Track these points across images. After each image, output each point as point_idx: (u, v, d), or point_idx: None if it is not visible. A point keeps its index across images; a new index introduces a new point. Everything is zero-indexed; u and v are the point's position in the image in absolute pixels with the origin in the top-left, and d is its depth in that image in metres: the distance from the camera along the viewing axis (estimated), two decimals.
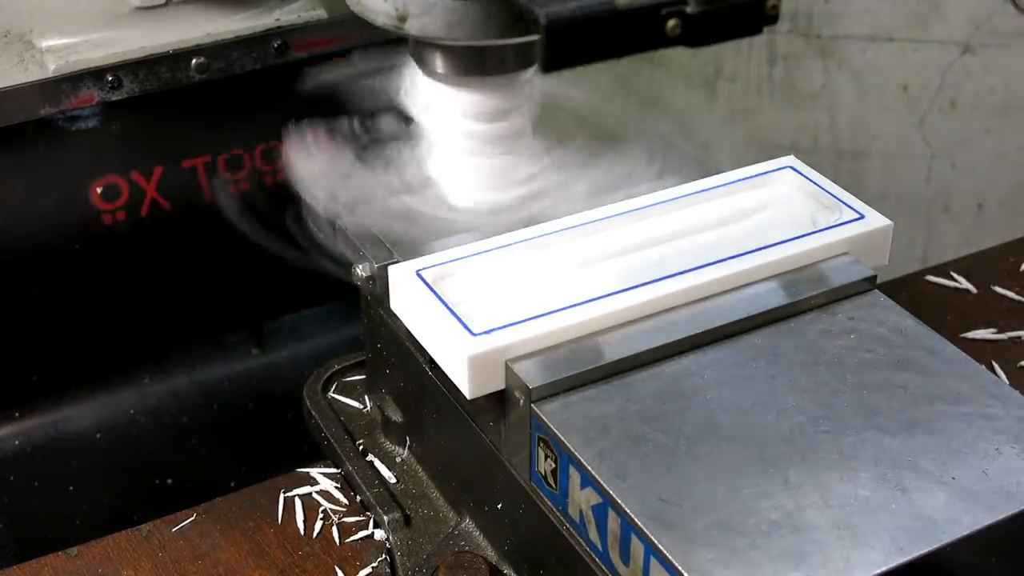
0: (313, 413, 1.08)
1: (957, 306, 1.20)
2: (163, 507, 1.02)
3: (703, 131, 2.27)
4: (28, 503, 1.22)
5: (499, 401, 0.85)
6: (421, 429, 1.01)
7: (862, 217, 0.94)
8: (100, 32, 1.11)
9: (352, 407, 1.09)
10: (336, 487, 1.03)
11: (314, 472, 1.04)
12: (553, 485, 0.81)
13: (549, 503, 0.83)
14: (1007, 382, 0.97)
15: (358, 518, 1.00)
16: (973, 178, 2.26)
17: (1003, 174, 2.24)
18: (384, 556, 0.97)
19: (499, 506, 0.90)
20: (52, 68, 1.08)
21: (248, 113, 1.21)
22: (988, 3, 2.10)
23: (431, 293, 0.87)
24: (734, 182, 0.99)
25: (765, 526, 0.72)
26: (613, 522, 0.75)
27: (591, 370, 0.83)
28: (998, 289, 1.22)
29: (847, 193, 0.97)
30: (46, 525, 1.23)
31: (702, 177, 1.00)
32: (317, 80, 1.05)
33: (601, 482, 0.76)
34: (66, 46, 1.10)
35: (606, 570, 0.78)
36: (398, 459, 1.04)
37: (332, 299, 1.33)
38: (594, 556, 0.79)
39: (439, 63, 0.89)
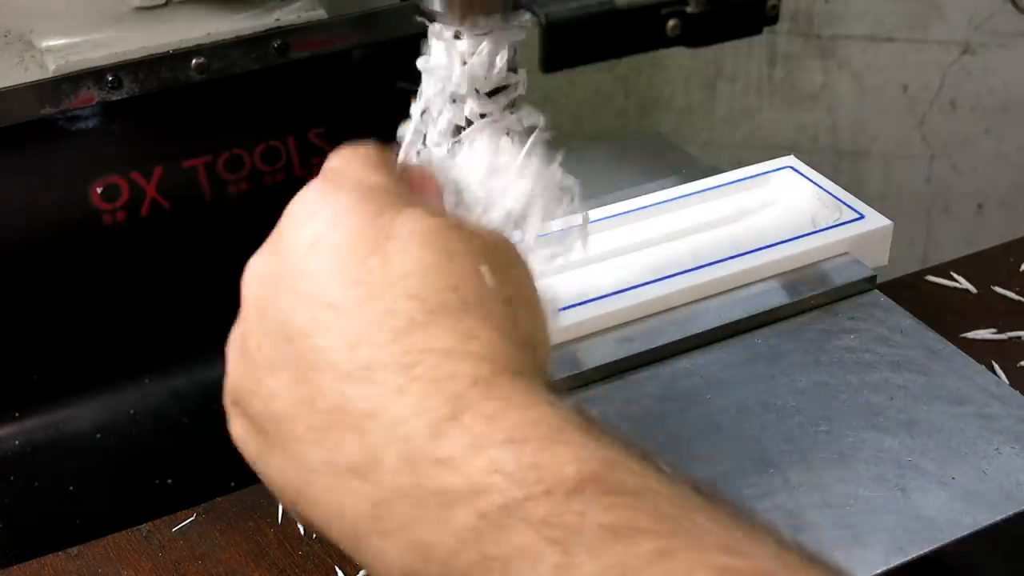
0: None
1: (957, 306, 1.20)
2: (163, 507, 1.02)
3: (703, 131, 2.27)
4: (28, 503, 1.22)
5: None
6: None
7: (862, 217, 0.94)
8: (100, 32, 1.10)
9: None
10: None
11: None
12: None
13: None
14: (1007, 382, 0.96)
15: None
16: (973, 178, 2.26)
17: (1003, 174, 2.24)
18: None
19: None
20: (52, 68, 1.08)
21: (248, 113, 1.21)
22: (988, 3, 2.10)
23: None
24: (734, 182, 0.99)
25: None
26: None
27: (591, 370, 0.83)
28: (998, 289, 1.22)
29: (847, 193, 0.97)
30: (46, 525, 1.22)
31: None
32: None
33: None
34: (66, 46, 1.10)
35: None
36: None
37: None
38: None
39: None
